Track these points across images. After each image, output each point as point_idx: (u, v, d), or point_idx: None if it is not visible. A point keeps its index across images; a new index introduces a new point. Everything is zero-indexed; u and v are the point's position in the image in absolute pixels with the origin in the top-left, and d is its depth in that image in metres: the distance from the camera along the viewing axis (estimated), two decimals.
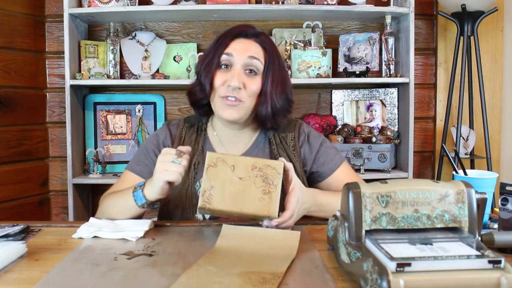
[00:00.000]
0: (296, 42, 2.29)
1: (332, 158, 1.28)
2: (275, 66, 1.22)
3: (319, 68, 2.21)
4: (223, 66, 1.20)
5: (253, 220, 0.97)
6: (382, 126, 2.31)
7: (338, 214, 0.82)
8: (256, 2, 2.23)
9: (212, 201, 0.93)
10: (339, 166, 1.27)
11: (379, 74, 2.33)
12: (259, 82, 1.20)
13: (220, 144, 1.30)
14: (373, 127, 2.33)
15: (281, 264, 0.81)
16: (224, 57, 1.19)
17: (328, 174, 1.27)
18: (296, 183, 1.01)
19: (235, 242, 0.92)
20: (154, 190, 1.03)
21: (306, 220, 1.17)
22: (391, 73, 2.23)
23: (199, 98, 1.23)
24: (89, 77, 2.19)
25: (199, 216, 1.17)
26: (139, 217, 1.11)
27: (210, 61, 1.20)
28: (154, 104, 2.35)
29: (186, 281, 0.73)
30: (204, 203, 0.93)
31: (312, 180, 1.29)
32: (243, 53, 1.19)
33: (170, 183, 1.02)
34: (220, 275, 0.76)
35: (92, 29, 2.35)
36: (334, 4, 2.15)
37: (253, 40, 1.22)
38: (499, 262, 0.63)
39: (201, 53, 2.25)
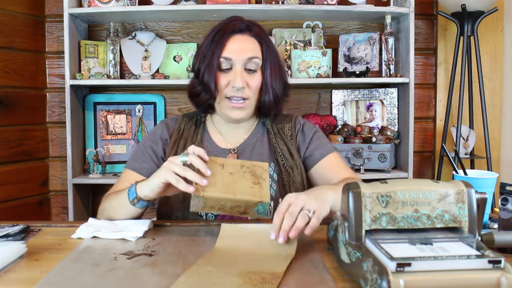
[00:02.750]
0: (296, 42, 2.29)
1: (324, 145, 1.31)
2: (272, 56, 1.26)
3: (319, 68, 2.21)
4: (223, 69, 1.22)
5: (252, 217, 0.97)
6: (382, 126, 2.31)
7: (338, 214, 0.82)
8: (256, 2, 2.23)
9: (205, 189, 0.93)
10: (330, 153, 1.30)
11: (379, 74, 2.32)
12: (260, 76, 1.24)
13: (219, 134, 1.32)
14: (373, 127, 2.33)
15: (281, 263, 0.81)
16: (223, 61, 1.21)
17: (319, 158, 1.29)
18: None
19: (234, 242, 0.92)
20: (148, 186, 1.00)
21: None
22: (391, 73, 2.23)
23: (204, 99, 1.25)
24: (89, 77, 2.19)
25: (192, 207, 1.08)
26: (138, 217, 1.10)
27: (209, 63, 1.21)
28: (154, 104, 2.35)
29: (186, 281, 0.73)
30: (198, 190, 0.92)
31: (305, 165, 1.32)
32: (241, 54, 1.21)
33: (167, 187, 0.99)
34: (219, 276, 0.76)
35: (92, 29, 2.35)
36: (334, 4, 2.15)
37: (247, 35, 1.24)
38: (499, 262, 0.63)
39: None
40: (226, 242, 0.92)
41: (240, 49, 1.21)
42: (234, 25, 1.23)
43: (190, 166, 0.97)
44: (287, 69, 2.15)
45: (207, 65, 1.22)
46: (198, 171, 0.95)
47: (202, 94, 1.24)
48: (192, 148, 0.98)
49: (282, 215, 0.88)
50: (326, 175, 1.26)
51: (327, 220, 0.91)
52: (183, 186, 0.94)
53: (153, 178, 0.99)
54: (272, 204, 1.19)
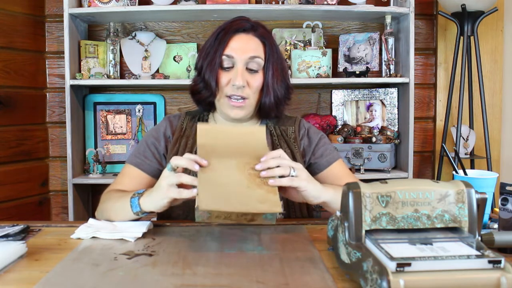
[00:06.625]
0: (296, 42, 2.29)
1: (330, 152, 1.31)
2: (274, 57, 1.25)
3: (319, 68, 2.21)
4: (225, 67, 1.21)
5: (254, 220, 0.95)
6: (382, 126, 2.31)
7: (338, 214, 0.82)
8: (256, 2, 2.24)
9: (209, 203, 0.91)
10: (336, 160, 1.29)
11: (379, 74, 2.33)
12: (261, 77, 1.23)
13: None
14: (373, 127, 2.33)
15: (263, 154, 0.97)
16: (225, 59, 1.21)
17: (325, 166, 1.29)
18: None
19: (213, 140, 1.00)
20: (155, 205, 0.99)
21: (306, 220, 1.17)
22: (391, 73, 2.23)
23: (205, 96, 1.25)
24: (89, 77, 2.19)
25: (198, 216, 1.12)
26: (138, 219, 1.10)
27: (212, 60, 1.21)
28: (154, 104, 2.35)
29: (205, 190, 0.87)
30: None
31: (310, 171, 1.30)
32: (244, 53, 1.20)
33: (173, 200, 0.98)
34: (225, 174, 0.90)
35: (92, 29, 2.35)
36: (334, 4, 2.15)
37: (251, 34, 1.23)
38: (499, 262, 0.63)
39: None
40: (206, 139, 0.99)
41: (243, 48, 1.21)
42: (238, 24, 1.23)
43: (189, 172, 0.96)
44: (284, 57, 2.15)
45: (209, 62, 1.21)
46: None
47: (203, 91, 1.24)
48: (186, 156, 0.96)
49: (271, 156, 0.97)
50: (331, 183, 1.25)
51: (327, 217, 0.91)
52: (186, 194, 0.93)
53: (158, 198, 0.98)
54: None
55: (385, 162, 2.18)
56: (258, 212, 0.88)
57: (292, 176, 0.97)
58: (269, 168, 0.95)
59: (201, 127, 1.03)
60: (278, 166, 0.96)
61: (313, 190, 1.01)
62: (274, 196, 0.91)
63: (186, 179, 0.93)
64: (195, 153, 1.02)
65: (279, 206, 0.89)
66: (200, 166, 0.94)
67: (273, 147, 1.29)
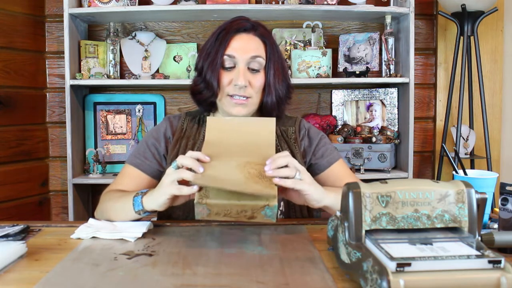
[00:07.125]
0: (296, 42, 2.29)
1: (330, 152, 1.30)
2: (275, 57, 1.25)
3: (319, 68, 2.21)
4: (227, 67, 1.21)
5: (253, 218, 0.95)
6: (382, 126, 2.31)
7: (338, 214, 0.82)
8: (256, 2, 2.24)
9: (208, 195, 0.91)
10: (336, 161, 1.29)
11: (379, 74, 2.33)
12: (263, 76, 1.23)
13: None
14: (373, 127, 2.33)
15: (268, 153, 0.97)
16: (226, 59, 1.20)
17: (326, 166, 1.28)
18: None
19: (221, 134, 1.02)
20: (156, 203, 0.99)
21: (306, 220, 1.17)
22: (391, 73, 2.23)
23: (206, 97, 1.24)
24: (89, 77, 2.19)
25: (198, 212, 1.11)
26: (138, 219, 1.10)
27: (213, 60, 1.21)
28: (154, 104, 2.35)
29: (202, 177, 0.89)
30: (201, 197, 0.90)
31: (310, 172, 1.30)
32: (245, 52, 1.20)
33: (174, 199, 0.99)
34: (224, 172, 0.90)
35: (92, 29, 2.35)
36: (334, 4, 2.15)
37: (252, 34, 1.23)
38: (499, 262, 0.63)
39: None
40: (215, 135, 1.01)
41: (244, 48, 1.21)
42: (239, 23, 1.23)
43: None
44: (284, 56, 2.15)
45: (210, 62, 1.21)
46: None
47: (204, 91, 1.24)
48: (189, 153, 0.97)
49: (279, 155, 0.97)
50: (332, 183, 1.25)
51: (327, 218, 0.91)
52: (186, 191, 0.93)
53: (158, 195, 0.98)
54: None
55: (385, 162, 2.18)
56: (252, 193, 0.88)
57: (296, 179, 0.97)
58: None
59: (210, 120, 1.05)
60: (285, 166, 0.97)
61: (315, 194, 1.00)
62: (271, 190, 0.91)
63: (187, 175, 0.93)
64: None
65: (275, 199, 0.89)
66: (203, 162, 0.95)
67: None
